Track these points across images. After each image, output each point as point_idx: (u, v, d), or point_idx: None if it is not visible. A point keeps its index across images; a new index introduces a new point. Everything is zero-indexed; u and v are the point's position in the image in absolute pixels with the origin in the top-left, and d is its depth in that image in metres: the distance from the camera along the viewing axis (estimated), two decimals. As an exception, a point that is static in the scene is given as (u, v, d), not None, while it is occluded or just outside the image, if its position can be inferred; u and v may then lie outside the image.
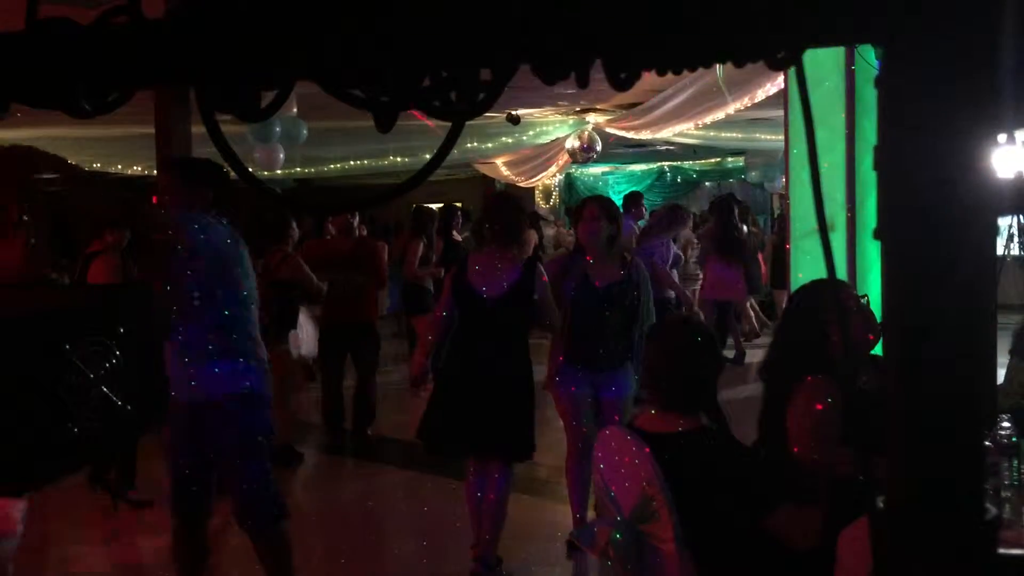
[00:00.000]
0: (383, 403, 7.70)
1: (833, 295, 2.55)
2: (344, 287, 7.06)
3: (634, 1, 0.74)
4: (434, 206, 12.71)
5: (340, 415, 7.51)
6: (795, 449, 2.92)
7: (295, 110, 8.03)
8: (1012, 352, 4.24)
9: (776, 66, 0.76)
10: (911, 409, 0.75)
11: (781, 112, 5.56)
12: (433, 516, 5.72)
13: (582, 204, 5.03)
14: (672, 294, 8.32)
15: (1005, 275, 7.94)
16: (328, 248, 7.46)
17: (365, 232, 7.55)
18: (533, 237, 11.06)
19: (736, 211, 9.99)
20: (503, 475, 4.57)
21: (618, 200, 7.47)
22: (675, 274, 8.72)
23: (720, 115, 8.78)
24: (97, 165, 12.66)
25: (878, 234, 0.77)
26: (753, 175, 15.38)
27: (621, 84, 0.77)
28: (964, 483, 0.74)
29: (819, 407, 2.89)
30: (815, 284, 3.23)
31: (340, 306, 7.11)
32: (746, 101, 7.96)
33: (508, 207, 4.82)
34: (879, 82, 0.76)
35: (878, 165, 0.77)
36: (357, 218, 7.51)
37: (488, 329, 4.52)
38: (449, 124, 0.86)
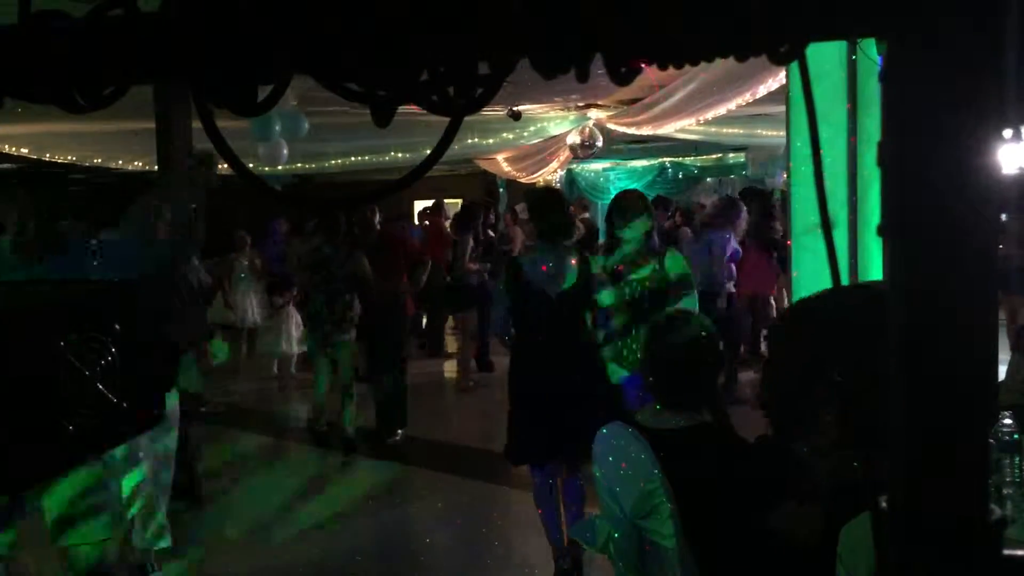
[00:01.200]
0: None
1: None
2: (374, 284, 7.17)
3: (635, -6, 0.73)
4: (428, 202, 12.69)
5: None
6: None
7: (293, 103, 8.01)
8: (1013, 348, 4.24)
9: (779, 60, 0.75)
10: (914, 407, 0.74)
11: (783, 108, 5.53)
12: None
13: (620, 197, 4.97)
14: (731, 287, 8.26)
15: (1006, 272, 7.90)
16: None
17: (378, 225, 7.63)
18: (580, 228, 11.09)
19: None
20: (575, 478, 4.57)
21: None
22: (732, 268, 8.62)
23: (721, 111, 8.75)
24: (98, 160, 12.65)
25: (882, 230, 0.76)
26: (754, 171, 15.35)
27: (622, 79, 0.76)
28: (968, 482, 0.73)
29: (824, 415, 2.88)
30: (843, 292, 3.11)
31: (370, 302, 7.20)
32: (748, 97, 7.94)
33: (551, 201, 4.80)
34: (883, 76, 0.75)
35: (882, 161, 0.76)
36: (378, 214, 7.61)
37: (552, 327, 4.47)
38: (447, 119, 0.85)
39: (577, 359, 4.46)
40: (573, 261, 4.51)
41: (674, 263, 4.84)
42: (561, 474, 4.60)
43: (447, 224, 10.84)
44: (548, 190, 6.22)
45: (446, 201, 11.99)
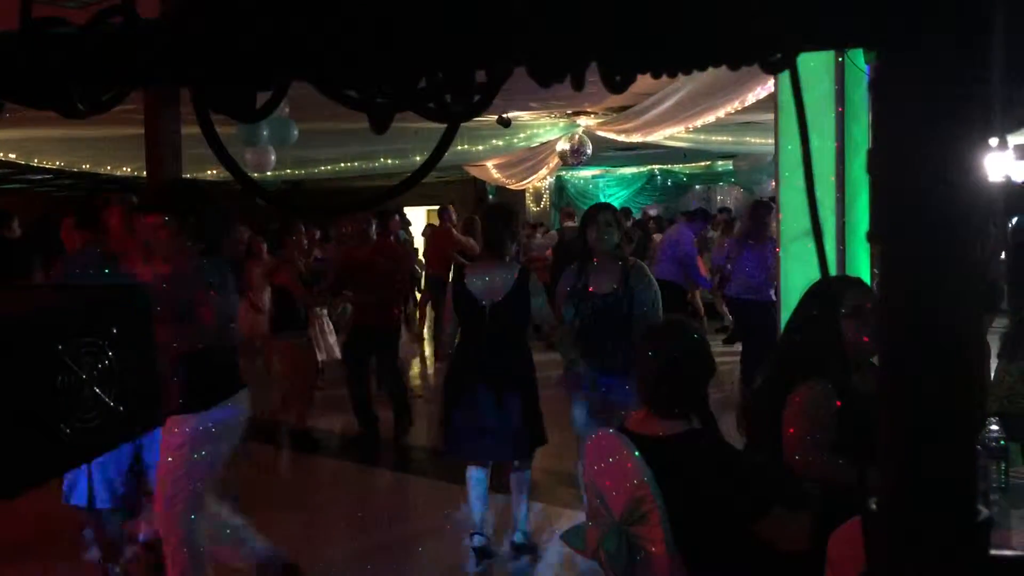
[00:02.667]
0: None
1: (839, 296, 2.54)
2: (366, 293, 7.20)
3: (630, 3, 0.74)
4: (424, 209, 12.66)
5: (371, 417, 7.51)
6: (789, 453, 2.93)
7: (287, 110, 8.00)
8: (1000, 355, 4.26)
9: (770, 69, 0.77)
10: (905, 410, 0.75)
11: (771, 115, 5.56)
12: (425, 516, 5.75)
13: (595, 210, 5.03)
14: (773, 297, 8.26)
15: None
16: (348, 256, 7.53)
17: (374, 236, 7.61)
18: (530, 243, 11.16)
19: None
20: (522, 468, 4.84)
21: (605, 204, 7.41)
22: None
23: (711, 118, 8.79)
24: (86, 166, 12.61)
25: (871, 237, 0.77)
26: (741, 178, 15.42)
27: (616, 87, 0.78)
28: (957, 483, 0.74)
29: (815, 413, 2.90)
30: (821, 285, 3.12)
31: (363, 311, 7.24)
32: (736, 105, 7.98)
33: (498, 217, 4.94)
34: (873, 85, 0.77)
35: (871, 168, 0.78)
36: (374, 224, 7.60)
37: (487, 335, 4.68)
38: (442, 126, 0.86)
39: (509, 368, 4.69)
40: (513, 275, 4.72)
41: (638, 277, 4.81)
42: (490, 468, 4.91)
43: (454, 230, 10.80)
44: (496, 205, 6.47)
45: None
